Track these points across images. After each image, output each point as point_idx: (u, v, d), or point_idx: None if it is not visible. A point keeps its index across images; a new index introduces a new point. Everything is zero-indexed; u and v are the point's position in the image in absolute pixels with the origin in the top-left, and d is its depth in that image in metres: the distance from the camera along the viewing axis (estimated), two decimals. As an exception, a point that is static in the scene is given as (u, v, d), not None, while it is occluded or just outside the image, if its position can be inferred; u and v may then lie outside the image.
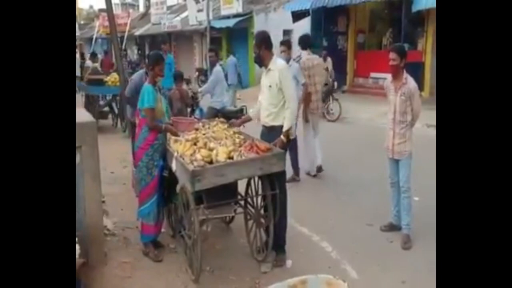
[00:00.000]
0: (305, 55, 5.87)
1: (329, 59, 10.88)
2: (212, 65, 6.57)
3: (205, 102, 6.87)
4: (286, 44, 5.59)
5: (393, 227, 4.14)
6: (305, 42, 5.91)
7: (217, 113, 5.81)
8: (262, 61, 3.57)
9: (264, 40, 3.56)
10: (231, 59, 12.38)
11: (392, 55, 3.74)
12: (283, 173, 3.42)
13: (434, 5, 10.11)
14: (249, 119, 3.98)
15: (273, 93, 3.52)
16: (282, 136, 3.49)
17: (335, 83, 10.58)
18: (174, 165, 3.37)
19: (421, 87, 3.84)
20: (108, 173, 5.62)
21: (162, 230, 3.93)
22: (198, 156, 3.16)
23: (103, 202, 4.10)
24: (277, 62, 3.59)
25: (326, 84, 10.30)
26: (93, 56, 13.17)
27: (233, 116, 4.81)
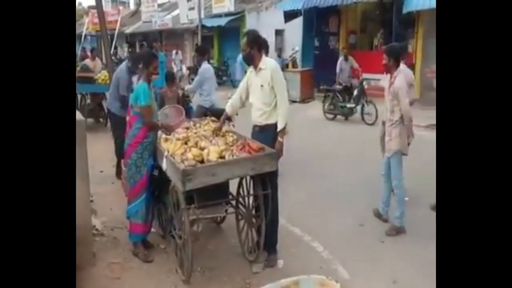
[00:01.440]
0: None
1: (351, 58, 10.61)
2: (199, 64, 6.48)
3: (196, 101, 6.82)
4: None
5: (380, 216, 4.32)
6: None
7: (206, 112, 5.75)
8: (252, 61, 3.56)
9: (256, 40, 3.56)
10: (240, 56, 12.36)
11: (383, 55, 4.04)
12: (275, 173, 3.40)
13: (425, 7, 10.21)
14: (228, 117, 3.91)
15: (266, 92, 3.50)
16: (279, 138, 3.47)
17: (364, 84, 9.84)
18: (164, 164, 3.32)
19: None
20: (97, 172, 5.54)
21: (153, 230, 3.88)
22: (189, 155, 3.13)
23: (92, 201, 4.04)
24: (268, 61, 3.57)
25: (347, 86, 10.11)
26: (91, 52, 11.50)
27: (222, 115, 4.75)
